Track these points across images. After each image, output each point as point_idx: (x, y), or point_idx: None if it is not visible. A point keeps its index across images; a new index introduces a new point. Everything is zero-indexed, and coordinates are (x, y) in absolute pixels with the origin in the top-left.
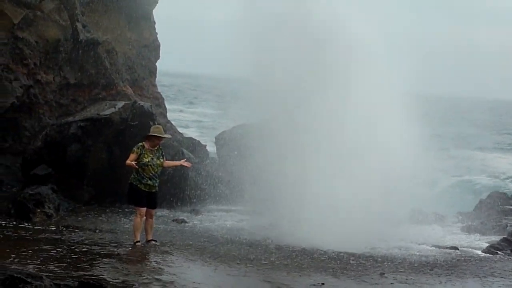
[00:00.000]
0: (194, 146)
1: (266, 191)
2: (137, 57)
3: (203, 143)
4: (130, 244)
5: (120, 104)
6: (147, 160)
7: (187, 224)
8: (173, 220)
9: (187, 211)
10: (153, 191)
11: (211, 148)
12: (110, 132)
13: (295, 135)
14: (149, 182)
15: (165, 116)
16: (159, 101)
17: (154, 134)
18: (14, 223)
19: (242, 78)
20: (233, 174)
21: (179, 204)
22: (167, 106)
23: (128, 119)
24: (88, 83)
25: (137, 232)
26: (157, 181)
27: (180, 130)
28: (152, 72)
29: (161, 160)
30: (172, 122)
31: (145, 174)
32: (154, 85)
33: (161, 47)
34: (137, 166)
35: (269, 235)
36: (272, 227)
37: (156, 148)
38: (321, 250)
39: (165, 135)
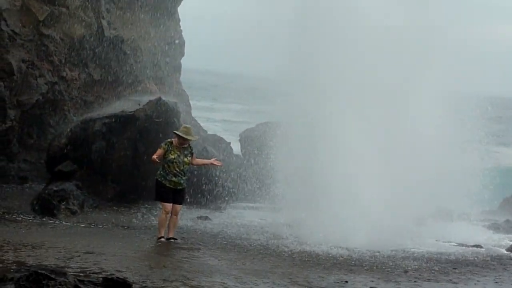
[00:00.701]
0: (219, 143)
1: (290, 189)
2: (161, 54)
3: (227, 141)
4: (154, 240)
5: (145, 101)
6: (173, 157)
7: (211, 221)
8: (197, 217)
9: (211, 208)
10: (178, 188)
11: (235, 146)
12: (135, 129)
13: (321, 133)
14: (174, 179)
15: (190, 113)
16: (183, 98)
17: (177, 133)
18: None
19: (268, 76)
20: (257, 172)
21: (203, 201)
22: (192, 103)
23: (153, 116)
24: (113, 80)
25: (161, 228)
26: (184, 179)
27: (204, 127)
28: (177, 69)
29: (189, 158)
30: (197, 119)
31: (170, 170)
32: (179, 82)
33: (185, 44)
34: (157, 160)
35: (292, 233)
36: (295, 224)
37: (185, 146)
38: (345, 248)
39: (188, 137)
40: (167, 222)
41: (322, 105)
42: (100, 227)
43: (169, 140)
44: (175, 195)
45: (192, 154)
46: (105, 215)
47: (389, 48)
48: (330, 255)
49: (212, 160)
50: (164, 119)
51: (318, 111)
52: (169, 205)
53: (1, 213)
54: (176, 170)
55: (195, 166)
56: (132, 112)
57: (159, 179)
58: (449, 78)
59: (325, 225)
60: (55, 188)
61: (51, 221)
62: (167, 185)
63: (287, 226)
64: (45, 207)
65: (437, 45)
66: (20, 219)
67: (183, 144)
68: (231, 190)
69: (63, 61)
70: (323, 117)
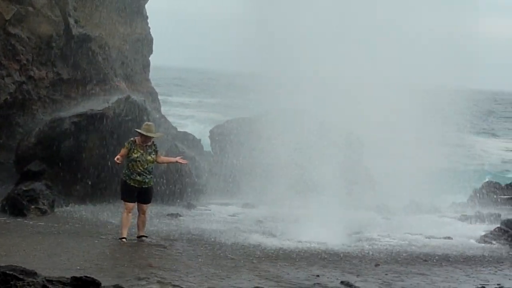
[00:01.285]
0: (189, 140)
1: (260, 184)
2: (130, 52)
3: (198, 137)
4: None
5: (114, 99)
6: (136, 155)
7: (181, 218)
8: (167, 215)
9: (182, 206)
10: (144, 186)
11: (205, 142)
12: (104, 128)
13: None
14: (138, 177)
15: (159, 111)
16: (152, 96)
17: (139, 131)
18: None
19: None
20: (228, 168)
21: (174, 198)
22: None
23: (122, 114)
24: (81, 78)
25: (124, 228)
26: (149, 177)
27: (174, 124)
28: (146, 66)
29: (153, 156)
30: (166, 117)
31: (134, 169)
32: (148, 80)
33: (154, 41)
34: (118, 161)
35: (263, 229)
36: (266, 220)
37: (148, 144)
38: (316, 242)
39: (151, 134)
40: (137, 221)
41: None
42: (69, 226)
43: (132, 139)
44: (141, 194)
45: (156, 152)
46: (76, 214)
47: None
48: (301, 250)
49: (177, 158)
50: (133, 117)
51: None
52: (131, 204)
53: None
54: (140, 169)
55: (162, 165)
56: (101, 111)
57: (123, 178)
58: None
59: (296, 220)
60: (24, 188)
61: (20, 221)
62: (132, 184)
63: (257, 221)
64: (15, 207)
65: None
66: None
67: (146, 142)
68: (201, 187)
69: (31, 60)
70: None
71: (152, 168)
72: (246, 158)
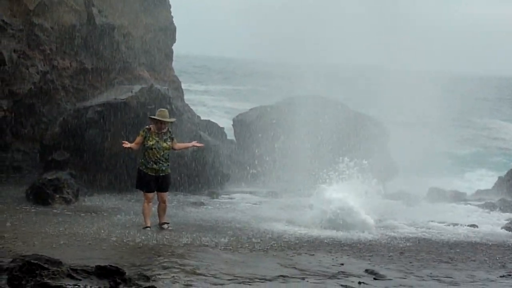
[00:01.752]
0: (212, 128)
1: (284, 173)
2: (153, 41)
3: (221, 126)
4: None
5: (137, 88)
6: (151, 143)
7: (205, 207)
8: (191, 203)
9: (206, 194)
10: (161, 174)
11: (229, 131)
12: (128, 116)
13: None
14: (155, 166)
15: (182, 99)
16: (176, 85)
17: (155, 118)
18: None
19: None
20: (251, 156)
21: (198, 187)
22: (186, 87)
23: (145, 103)
24: (105, 68)
25: (146, 218)
26: (165, 165)
27: (198, 112)
28: (169, 55)
29: (168, 143)
30: (190, 105)
31: (150, 157)
32: (171, 69)
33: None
34: (127, 145)
35: (287, 218)
36: (290, 209)
37: (163, 131)
38: (339, 230)
39: (166, 119)
40: (158, 209)
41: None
42: (94, 215)
43: (146, 127)
44: (159, 183)
45: (172, 139)
46: (100, 203)
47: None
48: (325, 238)
49: (194, 143)
50: (156, 105)
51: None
52: (150, 194)
53: (1, 201)
54: (156, 157)
55: (185, 154)
56: (124, 100)
57: (140, 168)
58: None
59: (318, 208)
60: (49, 177)
61: (45, 210)
62: (149, 173)
63: (281, 210)
64: (40, 197)
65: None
66: (15, 208)
67: (161, 129)
68: (225, 175)
69: (55, 50)
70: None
71: (168, 155)
72: (270, 146)
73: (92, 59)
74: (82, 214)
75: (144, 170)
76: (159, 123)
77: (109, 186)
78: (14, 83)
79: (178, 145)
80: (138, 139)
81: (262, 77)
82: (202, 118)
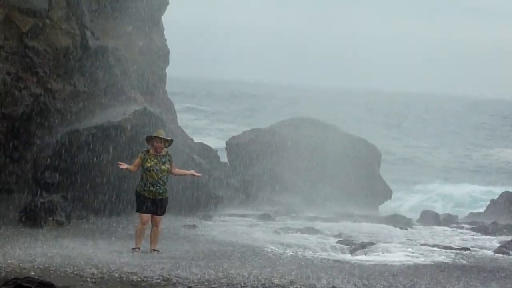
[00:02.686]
0: (205, 151)
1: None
2: (147, 64)
3: (214, 148)
4: (142, 251)
5: (131, 110)
6: (149, 165)
7: (198, 230)
8: (183, 226)
9: (199, 217)
10: (158, 198)
11: (222, 153)
12: (121, 139)
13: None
14: (152, 188)
15: (176, 122)
16: (169, 107)
17: (152, 135)
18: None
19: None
20: (244, 179)
21: (190, 209)
22: (179, 112)
23: (139, 126)
24: (98, 90)
25: (137, 239)
26: (163, 188)
27: (191, 135)
28: (162, 78)
29: (167, 165)
30: (183, 129)
31: (147, 179)
32: (165, 92)
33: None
34: (124, 166)
35: (281, 241)
36: (283, 232)
37: (162, 154)
38: (331, 254)
39: (163, 135)
40: (150, 233)
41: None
42: (85, 237)
43: (145, 149)
44: (155, 206)
45: (170, 162)
46: (92, 225)
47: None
48: (319, 260)
49: (192, 171)
50: (150, 128)
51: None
52: (146, 216)
53: None
54: (154, 179)
55: (175, 176)
56: (118, 122)
57: (138, 190)
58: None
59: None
60: (41, 200)
61: (38, 232)
62: (146, 195)
63: (275, 233)
64: (32, 219)
65: None
66: (7, 230)
67: (159, 150)
68: (218, 198)
69: (48, 72)
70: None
71: (166, 178)
72: (263, 169)
73: (86, 81)
74: (75, 237)
75: (142, 192)
76: (158, 142)
77: (101, 208)
78: (7, 106)
79: (177, 171)
80: (137, 161)
81: (261, 99)
82: (196, 141)
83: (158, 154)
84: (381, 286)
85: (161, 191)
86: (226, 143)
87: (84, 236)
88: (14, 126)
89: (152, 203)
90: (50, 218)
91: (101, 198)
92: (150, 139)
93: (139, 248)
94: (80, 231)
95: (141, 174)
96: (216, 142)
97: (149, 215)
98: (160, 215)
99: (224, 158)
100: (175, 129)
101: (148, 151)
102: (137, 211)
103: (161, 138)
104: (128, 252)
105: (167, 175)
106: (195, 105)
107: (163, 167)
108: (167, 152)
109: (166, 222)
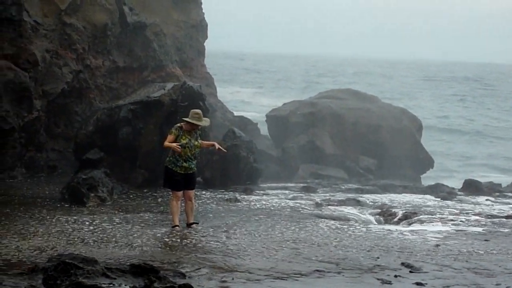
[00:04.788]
0: (245, 124)
1: (319, 167)
2: (185, 38)
3: (254, 121)
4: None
5: (170, 85)
6: (184, 141)
7: (239, 204)
8: (225, 200)
9: (240, 190)
10: (189, 172)
11: (262, 126)
12: (161, 114)
13: None
14: (185, 164)
15: (215, 96)
16: (208, 81)
17: (189, 121)
18: (68, 208)
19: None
20: (285, 151)
21: (232, 183)
22: (218, 86)
23: (178, 101)
24: (137, 66)
25: (175, 216)
26: (194, 163)
27: (231, 108)
28: (201, 52)
29: (199, 141)
30: (223, 102)
31: (181, 156)
32: (203, 66)
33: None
34: (180, 149)
35: (323, 213)
36: (325, 203)
37: (194, 131)
38: (373, 225)
39: (201, 123)
40: (185, 209)
41: None
42: (128, 213)
43: (178, 125)
44: (187, 181)
45: (200, 136)
46: (134, 201)
47: None
48: (360, 232)
49: (216, 144)
50: (189, 103)
51: None
52: (179, 193)
53: (32, 201)
54: (187, 155)
55: (220, 150)
56: (157, 97)
57: (169, 166)
58: None
59: (353, 203)
60: (83, 176)
61: (81, 209)
62: (178, 171)
63: (317, 205)
64: (75, 196)
65: None
66: (51, 207)
67: (193, 129)
68: (258, 171)
69: (87, 49)
70: None
71: (198, 153)
72: (303, 141)
73: (125, 57)
74: (117, 213)
75: (173, 169)
76: (191, 127)
77: (142, 183)
78: (47, 83)
79: (203, 143)
80: (171, 138)
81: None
82: (236, 114)
83: (191, 131)
84: (424, 257)
85: (192, 166)
86: (266, 115)
87: (126, 211)
88: (54, 103)
89: (184, 178)
90: (92, 195)
91: (142, 173)
92: (187, 121)
93: (178, 226)
94: (122, 206)
95: (172, 150)
96: (256, 115)
97: (182, 191)
98: (193, 189)
99: (264, 131)
100: (214, 103)
101: (181, 127)
102: (169, 187)
103: (195, 124)
104: (168, 225)
105: (198, 150)
106: (235, 78)
107: (196, 143)
108: (199, 127)
109: (206, 196)
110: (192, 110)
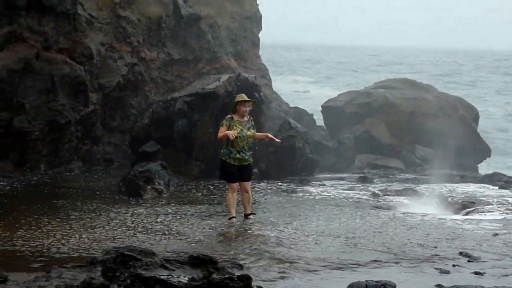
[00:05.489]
0: (301, 115)
1: (375, 157)
2: (239, 30)
3: (310, 112)
4: (238, 219)
5: (225, 77)
6: (236, 131)
7: (296, 195)
8: (282, 191)
9: (296, 181)
10: (244, 164)
11: (318, 117)
12: (216, 106)
13: None
14: (238, 155)
15: (270, 87)
16: (263, 73)
17: (238, 100)
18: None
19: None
20: (341, 142)
21: (288, 174)
22: (273, 77)
23: (233, 92)
24: (192, 58)
25: (231, 208)
26: (248, 154)
27: (287, 100)
28: (255, 43)
29: (252, 131)
30: (278, 93)
31: (234, 147)
32: (258, 57)
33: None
34: (235, 134)
35: (381, 203)
36: (382, 194)
37: (246, 120)
38: (430, 214)
39: (249, 99)
40: (242, 200)
41: None
42: (185, 206)
43: (229, 116)
44: (242, 172)
45: (253, 127)
46: (191, 193)
47: None
48: (416, 222)
49: (269, 135)
50: (244, 94)
51: None
52: (235, 184)
53: (90, 194)
54: (240, 146)
55: (276, 141)
56: (213, 89)
57: (223, 158)
58: None
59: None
60: (140, 169)
61: (138, 202)
62: (232, 163)
63: (374, 195)
64: (132, 188)
65: None
66: (108, 200)
67: (245, 112)
68: (315, 161)
69: (142, 42)
70: None
71: (251, 144)
72: (359, 132)
73: (179, 49)
74: (174, 204)
75: (228, 160)
76: (242, 107)
77: (200, 176)
78: (102, 77)
79: (257, 135)
80: (223, 129)
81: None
82: (291, 105)
83: (243, 120)
84: (482, 247)
85: (246, 157)
86: (322, 106)
87: (183, 203)
88: (110, 96)
89: (239, 170)
90: (149, 187)
91: (198, 165)
92: (234, 106)
93: (234, 217)
94: (178, 198)
95: (225, 142)
96: (312, 106)
97: (237, 183)
98: (249, 181)
99: (320, 121)
100: (269, 94)
101: (232, 118)
102: (224, 179)
103: (244, 101)
104: (224, 217)
105: (252, 141)
106: (290, 68)
107: (248, 133)
108: (250, 118)
109: (263, 188)
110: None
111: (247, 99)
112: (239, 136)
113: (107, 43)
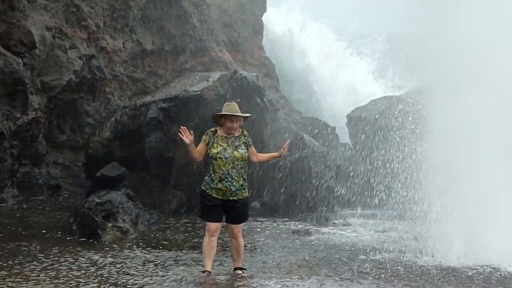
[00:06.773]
0: (319, 128)
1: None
2: (236, 11)
3: (331, 125)
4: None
5: (215, 75)
6: (215, 151)
7: (311, 237)
8: (292, 232)
9: (311, 219)
10: (230, 198)
11: (342, 131)
12: (203, 115)
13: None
14: (220, 185)
15: (278, 90)
16: (268, 70)
17: (220, 113)
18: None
19: None
20: (373, 165)
21: (300, 209)
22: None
23: (227, 96)
24: (170, 49)
25: (206, 258)
26: (237, 184)
27: (299, 108)
28: (257, 30)
29: (242, 151)
30: (287, 98)
31: (215, 172)
32: (261, 48)
33: None
34: (188, 139)
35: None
36: (423, 238)
37: (235, 136)
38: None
39: (236, 113)
40: (230, 248)
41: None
42: (159, 252)
43: (212, 129)
44: (228, 210)
45: (248, 145)
46: (166, 234)
47: None
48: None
49: (281, 151)
50: (242, 99)
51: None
52: (214, 225)
53: (27, 235)
54: (222, 171)
55: (258, 164)
56: (198, 92)
57: (203, 188)
58: None
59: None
60: (97, 200)
61: (93, 245)
62: (213, 195)
63: (414, 239)
64: (86, 226)
65: None
66: (52, 244)
67: (232, 129)
68: (336, 193)
69: (102, 26)
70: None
71: (243, 170)
72: (395, 151)
73: (153, 37)
74: (143, 250)
75: (207, 191)
76: (229, 122)
77: (178, 209)
78: (48, 73)
79: (260, 156)
80: (201, 146)
81: None
82: (305, 115)
83: (228, 136)
84: None
85: (234, 189)
86: (347, 116)
87: (155, 247)
88: (57, 100)
89: (224, 207)
90: (109, 225)
91: (177, 196)
92: (217, 118)
93: (209, 271)
94: (150, 242)
95: (207, 165)
96: (334, 115)
97: (218, 224)
98: (238, 224)
99: (345, 138)
100: (276, 99)
101: (215, 132)
102: (201, 217)
103: (232, 115)
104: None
105: (244, 165)
106: None
107: (235, 153)
108: (242, 131)
109: (264, 227)
110: (225, 103)
111: (236, 113)
112: (220, 158)
113: (54, 27)
